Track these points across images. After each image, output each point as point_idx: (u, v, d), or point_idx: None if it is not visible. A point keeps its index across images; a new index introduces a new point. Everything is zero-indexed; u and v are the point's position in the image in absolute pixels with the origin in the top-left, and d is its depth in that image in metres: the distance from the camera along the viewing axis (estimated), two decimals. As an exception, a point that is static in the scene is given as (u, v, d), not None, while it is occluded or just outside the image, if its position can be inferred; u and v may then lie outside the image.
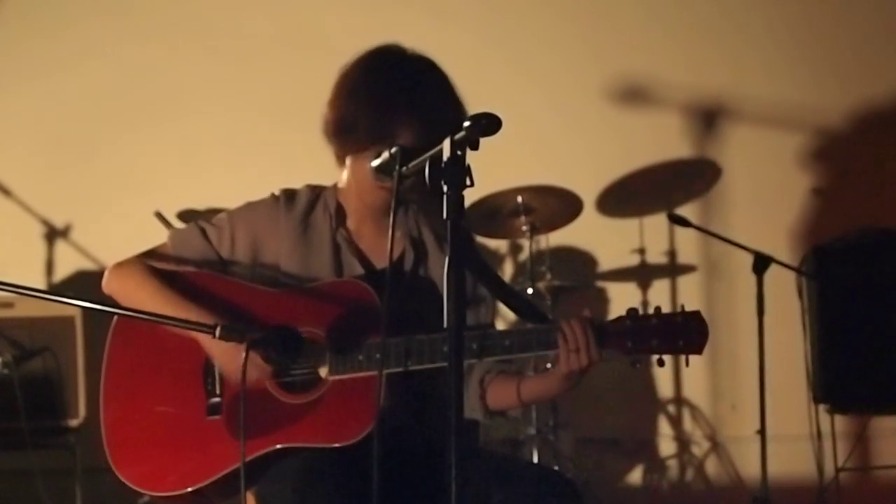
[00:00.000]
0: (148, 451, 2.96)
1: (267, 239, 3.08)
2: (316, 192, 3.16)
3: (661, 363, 2.87)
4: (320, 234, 3.10)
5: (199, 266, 3.07)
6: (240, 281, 3.04)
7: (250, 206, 3.14)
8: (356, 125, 2.99)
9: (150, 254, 3.12)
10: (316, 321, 2.93)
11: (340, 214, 3.12)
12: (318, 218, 3.12)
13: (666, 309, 2.90)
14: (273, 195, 3.15)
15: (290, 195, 3.15)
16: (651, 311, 2.90)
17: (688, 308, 2.89)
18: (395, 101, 2.97)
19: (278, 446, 2.85)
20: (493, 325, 3.23)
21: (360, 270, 3.06)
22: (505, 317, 5.52)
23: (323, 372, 2.91)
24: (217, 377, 2.96)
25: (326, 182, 3.20)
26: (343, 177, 3.14)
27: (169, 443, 2.95)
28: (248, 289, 3.01)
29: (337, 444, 2.81)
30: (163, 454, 2.94)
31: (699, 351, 2.84)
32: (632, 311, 2.87)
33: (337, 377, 2.89)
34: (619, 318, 2.87)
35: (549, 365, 2.91)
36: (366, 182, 3.00)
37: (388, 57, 3.07)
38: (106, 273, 3.08)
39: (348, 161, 3.08)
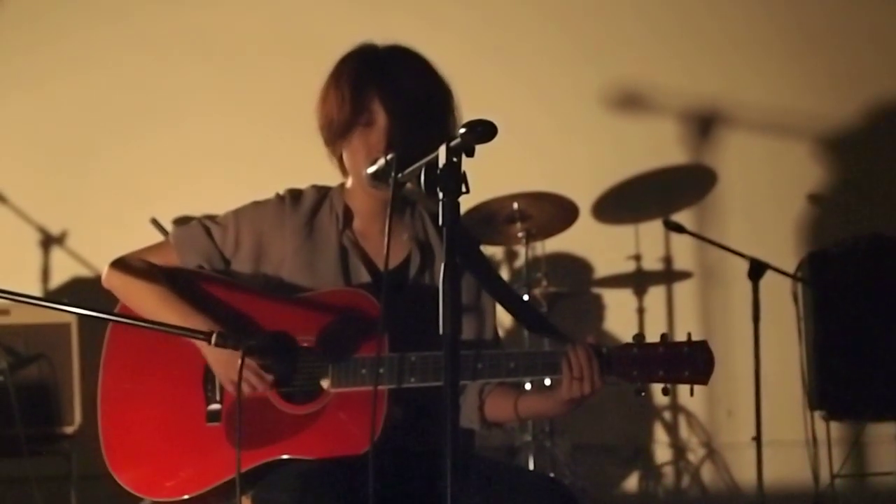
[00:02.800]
0: (147, 456, 2.94)
1: (272, 239, 3.06)
2: (322, 192, 3.15)
3: (665, 392, 2.87)
4: (326, 235, 3.08)
5: (202, 265, 3.06)
6: (242, 285, 3.03)
7: (255, 206, 3.12)
8: (333, 112, 3.01)
9: (152, 251, 3.11)
10: (316, 330, 2.92)
11: (347, 216, 3.11)
12: (324, 219, 3.10)
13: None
14: (278, 195, 3.13)
15: (295, 195, 3.13)
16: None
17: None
18: (362, 76, 2.99)
19: (280, 457, 2.85)
20: (497, 341, 3.21)
21: (365, 273, 3.05)
22: (503, 324, 5.52)
23: (325, 383, 2.90)
24: (217, 383, 2.95)
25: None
26: (349, 179, 3.14)
27: (168, 448, 2.94)
28: (249, 294, 3.00)
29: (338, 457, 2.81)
30: (162, 459, 2.93)
31: (705, 381, 2.84)
32: (638, 339, 2.86)
33: (339, 390, 2.89)
34: (626, 346, 2.85)
35: (547, 381, 2.90)
36: (361, 176, 3.00)
37: (357, 49, 3.09)
38: (106, 268, 3.05)
39: (345, 158, 3.08)
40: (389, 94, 2.97)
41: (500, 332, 3.25)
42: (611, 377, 2.85)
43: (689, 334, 2.85)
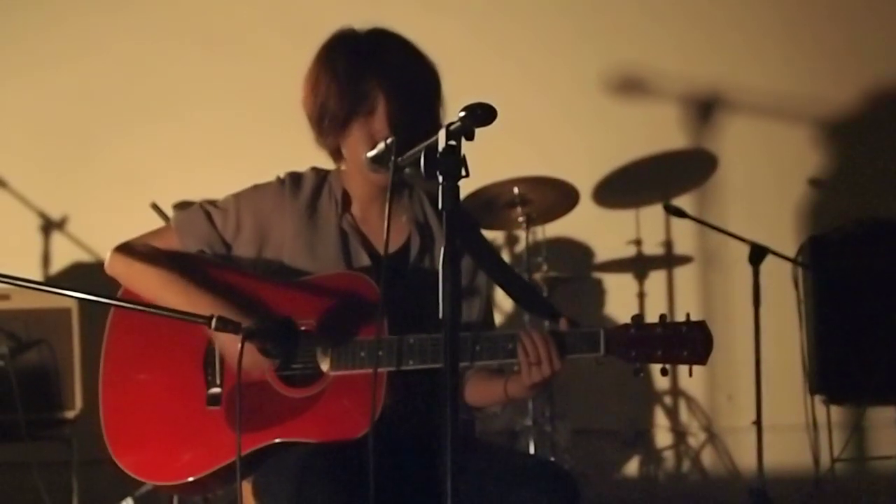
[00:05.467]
0: (147, 440, 2.95)
1: (273, 223, 3.07)
2: (321, 175, 3.15)
3: (664, 372, 2.87)
4: (326, 219, 3.08)
5: (203, 250, 3.07)
6: (242, 270, 3.04)
7: (256, 189, 3.12)
8: (329, 104, 3.01)
9: (154, 235, 3.12)
10: (316, 314, 2.92)
11: (346, 200, 3.12)
12: (324, 203, 3.10)
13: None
14: (279, 178, 3.14)
15: (295, 178, 3.13)
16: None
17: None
18: (357, 65, 2.99)
19: (278, 440, 2.85)
20: (490, 325, 3.22)
21: (365, 257, 3.06)
22: (500, 307, 5.52)
23: (324, 366, 2.90)
24: (217, 367, 2.95)
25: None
26: (344, 163, 3.13)
27: (168, 432, 2.94)
28: (250, 278, 3.01)
29: (337, 440, 2.81)
30: (162, 443, 2.94)
31: (703, 362, 2.82)
32: (636, 319, 2.86)
33: (338, 373, 2.89)
34: (624, 326, 2.85)
35: (516, 368, 2.90)
36: (363, 167, 3.00)
37: (339, 37, 3.09)
38: (109, 254, 3.07)
39: (344, 148, 3.07)
40: (388, 80, 2.96)
41: (499, 316, 3.25)
42: (571, 357, 2.84)
43: (688, 314, 2.85)
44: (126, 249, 3.06)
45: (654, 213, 6.00)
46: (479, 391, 3.08)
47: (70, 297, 2.93)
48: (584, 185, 5.84)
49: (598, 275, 6.20)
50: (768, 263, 5.11)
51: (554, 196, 5.52)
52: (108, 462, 2.95)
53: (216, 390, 2.94)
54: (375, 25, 3.08)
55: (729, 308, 5.86)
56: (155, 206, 4.91)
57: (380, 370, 2.81)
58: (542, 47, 6.19)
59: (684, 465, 6.12)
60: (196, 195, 5.04)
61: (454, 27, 5.84)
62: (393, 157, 2.75)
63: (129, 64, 6.11)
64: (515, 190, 5.43)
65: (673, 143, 6.17)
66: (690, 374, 2.84)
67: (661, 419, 6.16)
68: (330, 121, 3.02)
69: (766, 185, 6.12)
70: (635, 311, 5.84)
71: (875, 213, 5.66)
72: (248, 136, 5.98)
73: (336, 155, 3.13)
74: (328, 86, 3.02)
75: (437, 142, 2.49)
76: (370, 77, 2.97)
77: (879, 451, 5.82)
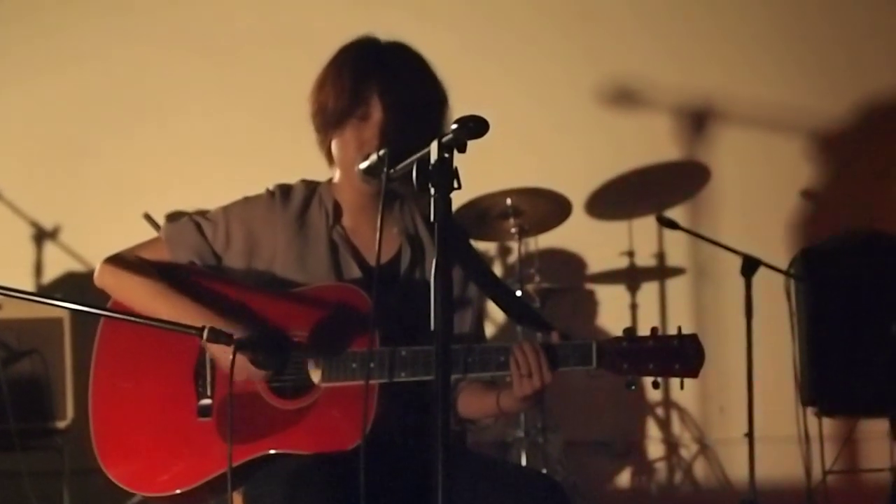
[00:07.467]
0: (137, 451, 2.95)
1: (263, 235, 3.07)
2: (311, 187, 3.16)
3: (655, 385, 2.87)
4: (316, 231, 3.09)
5: (193, 261, 3.07)
6: (234, 281, 3.04)
7: (246, 202, 3.13)
8: (328, 101, 3.03)
9: (144, 248, 3.12)
10: (308, 325, 2.92)
11: (337, 211, 3.12)
12: (314, 214, 3.11)
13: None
14: (268, 190, 3.14)
15: (285, 190, 3.14)
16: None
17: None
18: (363, 69, 3.01)
19: (269, 452, 2.85)
20: (481, 336, 3.22)
21: (356, 269, 3.06)
22: (493, 319, 5.52)
23: (315, 378, 2.90)
24: (208, 379, 2.95)
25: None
26: (337, 173, 3.14)
27: (159, 443, 2.94)
28: (241, 289, 3.01)
29: (328, 452, 2.81)
30: (153, 454, 2.94)
31: (695, 374, 2.84)
32: (628, 332, 2.87)
33: (329, 384, 2.89)
34: (616, 339, 2.86)
35: (508, 378, 2.90)
36: (352, 168, 3.01)
37: (358, 41, 3.10)
38: (98, 266, 3.07)
39: (334, 148, 3.08)
40: (389, 92, 2.97)
41: (492, 328, 3.26)
42: (563, 369, 2.85)
43: (680, 328, 2.86)
44: (116, 261, 3.06)
45: (646, 225, 6.00)
46: (472, 403, 3.08)
47: (62, 308, 2.92)
48: (577, 197, 5.84)
49: (590, 286, 6.20)
50: (760, 275, 5.11)
51: (547, 207, 5.52)
52: (99, 472, 2.95)
53: (207, 401, 2.94)
54: (398, 40, 3.10)
55: (721, 320, 5.85)
56: (147, 217, 4.91)
57: (371, 382, 2.81)
58: (535, 58, 6.20)
59: (676, 476, 6.12)
60: (190, 205, 5.04)
61: (448, 37, 5.83)
62: (385, 169, 2.76)
63: (122, 73, 6.10)
64: (508, 201, 5.43)
65: (666, 154, 6.18)
66: (682, 387, 2.84)
67: (653, 431, 6.16)
68: (326, 117, 3.04)
69: (759, 196, 6.12)
70: (628, 322, 5.93)
71: (867, 225, 5.66)
72: (243, 145, 5.98)
73: (332, 158, 3.13)
74: (332, 82, 3.04)
75: (429, 154, 2.49)
76: (373, 84, 2.99)
77: (871, 464, 5.81)
